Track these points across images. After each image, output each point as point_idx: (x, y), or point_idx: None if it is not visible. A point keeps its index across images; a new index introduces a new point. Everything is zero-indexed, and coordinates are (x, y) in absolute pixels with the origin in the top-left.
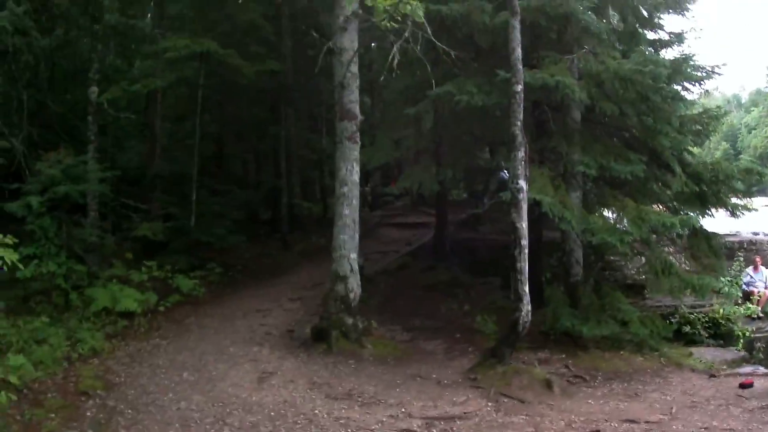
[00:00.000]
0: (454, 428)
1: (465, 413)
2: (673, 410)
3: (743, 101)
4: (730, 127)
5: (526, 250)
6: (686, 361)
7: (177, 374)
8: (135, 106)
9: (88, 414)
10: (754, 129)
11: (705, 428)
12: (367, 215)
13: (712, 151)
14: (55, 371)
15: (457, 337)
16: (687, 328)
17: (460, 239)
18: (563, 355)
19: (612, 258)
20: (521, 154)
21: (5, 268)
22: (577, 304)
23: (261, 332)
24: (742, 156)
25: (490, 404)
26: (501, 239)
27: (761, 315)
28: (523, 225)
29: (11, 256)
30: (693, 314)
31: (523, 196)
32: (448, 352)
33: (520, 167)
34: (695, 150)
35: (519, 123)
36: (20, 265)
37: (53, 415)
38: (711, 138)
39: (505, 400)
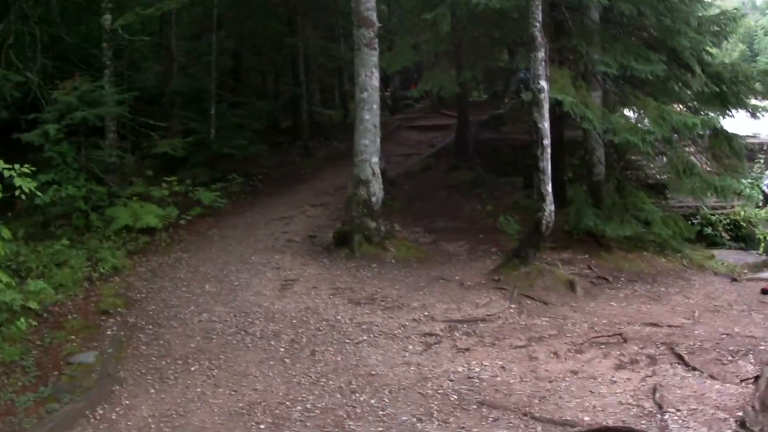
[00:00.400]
0: (477, 331)
1: (488, 315)
2: (696, 314)
3: (758, 3)
4: (747, 29)
5: (549, 150)
6: (709, 263)
7: (199, 286)
8: (150, 28)
9: (109, 333)
10: None
11: (727, 334)
12: (388, 119)
13: (729, 52)
14: (76, 293)
15: (481, 237)
16: (708, 230)
17: (482, 140)
18: (586, 255)
19: (633, 158)
20: (541, 54)
21: (23, 196)
22: (600, 204)
23: (283, 239)
24: (759, 58)
25: (513, 306)
26: (523, 139)
27: None
28: (545, 125)
29: (29, 185)
30: (714, 216)
31: (545, 96)
32: (471, 253)
33: (540, 68)
34: (714, 51)
35: (538, 24)
36: (39, 193)
37: (73, 337)
38: (728, 40)
39: (528, 302)
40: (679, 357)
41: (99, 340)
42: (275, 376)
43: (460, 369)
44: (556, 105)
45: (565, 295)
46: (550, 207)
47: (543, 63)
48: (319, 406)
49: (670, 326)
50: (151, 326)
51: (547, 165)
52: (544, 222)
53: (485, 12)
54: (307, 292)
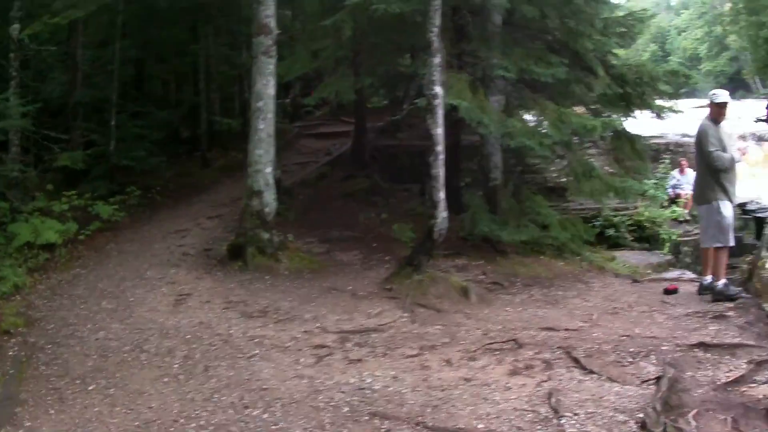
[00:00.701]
0: (369, 341)
1: (380, 325)
2: (594, 317)
3: (672, 3)
4: (659, 30)
5: (442, 156)
6: (609, 265)
7: (96, 303)
8: (58, 37)
9: (11, 353)
10: (684, 31)
11: (627, 335)
12: (287, 127)
13: (640, 53)
14: None
15: (375, 246)
16: (611, 231)
17: (379, 146)
18: (482, 261)
19: (533, 162)
20: (437, 59)
21: None
22: (497, 209)
23: (179, 253)
24: (670, 58)
25: (405, 315)
26: (420, 145)
27: (688, 218)
28: (439, 131)
29: None
30: (617, 217)
31: (439, 102)
32: (364, 263)
33: (436, 73)
34: (621, 52)
35: (435, 29)
36: None
37: None
38: (639, 40)
39: (421, 310)
40: (576, 361)
41: (2, 361)
42: (170, 393)
43: (352, 380)
44: (452, 110)
45: (459, 302)
46: (442, 214)
47: (439, 68)
48: (213, 422)
49: (567, 330)
50: (50, 346)
51: (440, 172)
52: (436, 229)
53: (386, 16)
54: (200, 307)
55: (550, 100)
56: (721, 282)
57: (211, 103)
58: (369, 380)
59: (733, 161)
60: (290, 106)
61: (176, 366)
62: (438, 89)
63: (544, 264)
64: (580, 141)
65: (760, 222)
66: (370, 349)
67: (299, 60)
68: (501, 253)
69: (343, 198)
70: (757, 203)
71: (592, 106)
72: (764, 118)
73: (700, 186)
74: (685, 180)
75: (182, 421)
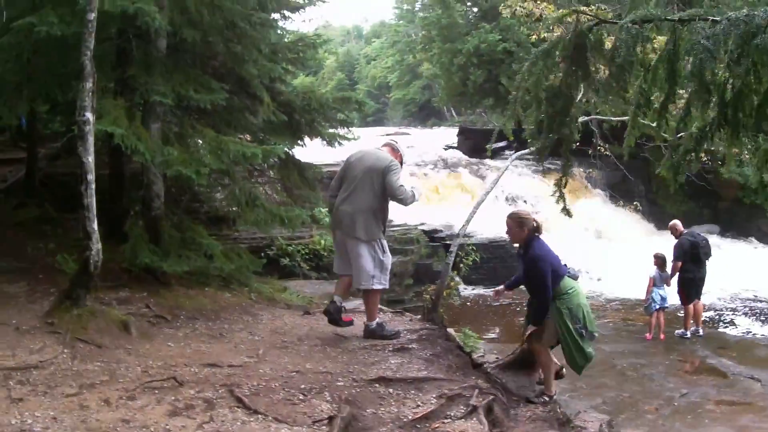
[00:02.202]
0: (31, 379)
1: (41, 362)
2: (261, 352)
3: (365, 32)
4: (348, 58)
5: (93, 185)
6: (280, 296)
7: None
8: None
9: None
10: (374, 60)
11: (297, 371)
12: None
13: (326, 81)
14: None
15: (41, 278)
16: (286, 260)
17: (52, 173)
18: (145, 294)
19: (201, 190)
20: (89, 84)
21: None
22: (159, 239)
23: None
24: (358, 86)
25: (66, 351)
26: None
27: None
28: (89, 159)
29: None
30: (291, 246)
31: (89, 129)
32: (30, 295)
33: (87, 98)
34: (300, 79)
35: (89, 53)
36: None
37: None
38: (325, 69)
39: (82, 346)
40: (239, 400)
41: None
42: None
43: (13, 421)
44: (108, 137)
45: (120, 337)
46: (96, 246)
47: (90, 93)
48: None
49: (231, 366)
50: None
51: (92, 201)
52: (92, 262)
53: (50, 40)
54: None
55: (212, 128)
56: (375, 321)
57: None
58: (30, 421)
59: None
60: None
61: None
62: (88, 115)
63: (209, 296)
64: (250, 170)
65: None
66: (31, 388)
67: None
68: (165, 284)
69: (14, 227)
70: (445, 230)
71: (259, 135)
72: (454, 145)
73: (364, 221)
74: None
75: None
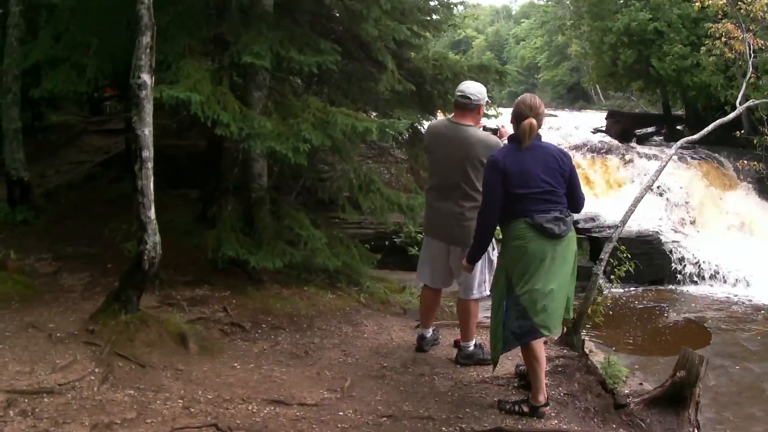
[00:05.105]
0: (37, 409)
1: (59, 385)
2: (347, 384)
3: (514, 12)
4: (497, 38)
5: (150, 164)
6: (396, 297)
7: None
8: None
9: None
10: (523, 40)
11: (389, 416)
12: (74, 121)
13: (477, 59)
14: None
15: (108, 267)
16: (414, 250)
17: (160, 146)
18: (228, 293)
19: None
20: (146, 39)
21: None
22: (252, 228)
23: None
24: (507, 66)
25: (98, 370)
26: (203, 146)
27: None
28: (146, 131)
29: None
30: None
31: (146, 94)
32: (88, 289)
33: (143, 56)
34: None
35: (146, 0)
36: None
37: None
38: (475, 48)
39: (120, 364)
40: None
41: None
42: None
43: None
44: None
45: (173, 354)
46: (153, 238)
47: (148, 50)
48: None
49: (302, 405)
50: None
51: (147, 184)
52: (146, 258)
53: None
54: None
55: (325, 98)
56: (473, 342)
57: None
58: None
59: None
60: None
61: None
62: (145, 77)
63: (307, 297)
64: (378, 148)
65: (595, 242)
66: (33, 422)
67: (39, 45)
68: (256, 282)
69: (106, 204)
70: (593, 220)
71: (383, 108)
72: (603, 129)
73: (463, 221)
74: None
75: None
